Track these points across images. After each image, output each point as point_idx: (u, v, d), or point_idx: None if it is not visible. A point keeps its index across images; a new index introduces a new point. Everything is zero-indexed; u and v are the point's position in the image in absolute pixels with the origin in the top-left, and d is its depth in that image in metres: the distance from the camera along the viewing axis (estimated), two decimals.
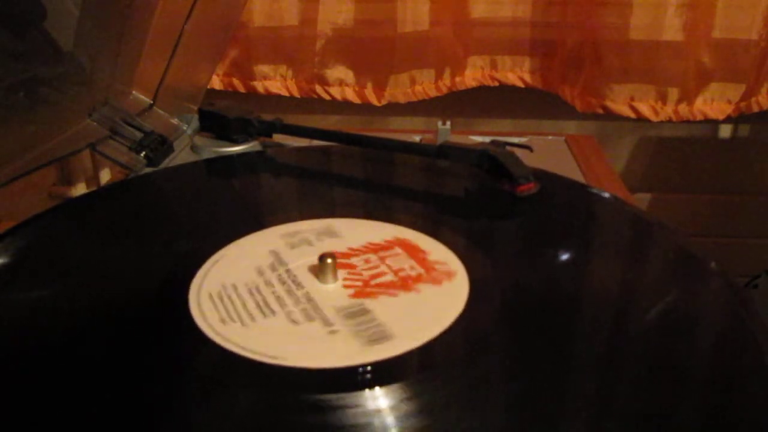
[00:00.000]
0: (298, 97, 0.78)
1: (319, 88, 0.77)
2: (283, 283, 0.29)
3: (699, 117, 0.74)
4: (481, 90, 0.78)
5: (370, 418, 0.21)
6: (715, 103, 0.74)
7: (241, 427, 0.21)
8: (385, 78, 0.75)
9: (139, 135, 0.46)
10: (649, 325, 0.27)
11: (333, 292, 0.28)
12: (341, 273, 0.29)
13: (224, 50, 0.75)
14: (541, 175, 0.39)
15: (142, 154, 0.45)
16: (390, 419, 0.21)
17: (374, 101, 0.77)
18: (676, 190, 0.85)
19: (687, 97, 0.73)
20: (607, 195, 0.38)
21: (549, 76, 0.76)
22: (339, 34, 0.74)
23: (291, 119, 0.47)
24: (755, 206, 0.84)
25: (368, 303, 0.27)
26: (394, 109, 0.79)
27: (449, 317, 0.26)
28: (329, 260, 0.28)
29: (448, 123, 0.49)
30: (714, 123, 0.79)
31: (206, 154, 0.47)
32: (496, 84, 0.77)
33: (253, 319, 0.27)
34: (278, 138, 0.48)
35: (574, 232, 0.35)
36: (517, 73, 0.77)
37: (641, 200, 0.85)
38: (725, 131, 0.82)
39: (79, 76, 0.45)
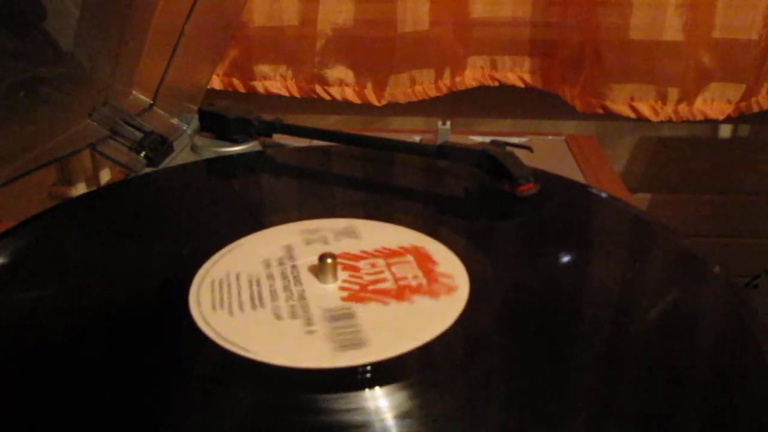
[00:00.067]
0: (298, 97, 0.78)
1: (319, 88, 0.77)
2: (284, 278, 0.29)
3: (699, 117, 0.74)
4: (481, 90, 0.78)
5: (354, 418, 0.21)
6: (715, 103, 0.74)
7: (234, 427, 0.21)
8: (385, 78, 0.75)
9: (139, 135, 0.46)
10: (649, 325, 0.27)
11: (327, 292, 0.28)
12: (343, 274, 0.29)
13: (224, 50, 0.75)
14: (541, 176, 0.39)
15: (142, 154, 0.45)
16: (379, 421, 0.21)
17: (374, 101, 0.77)
18: (676, 190, 0.85)
19: (687, 97, 0.73)
20: (607, 195, 0.38)
21: (549, 76, 0.76)
22: (339, 34, 0.74)
23: (291, 119, 0.47)
24: (755, 206, 0.84)
25: (357, 308, 0.27)
26: (394, 109, 0.79)
27: (431, 333, 0.25)
28: (329, 260, 0.28)
29: (448, 123, 0.49)
30: (714, 123, 0.79)
31: (206, 154, 0.47)
32: (496, 84, 0.77)
33: (241, 309, 0.27)
34: (278, 138, 0.48)
35: (574, 232, 0.35)
36: (517, 73, 0.77)
37: (641, 200, 0.85)
38: (725, 131, 0.82)
39: (79, 76, 0.45)
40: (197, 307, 0.27)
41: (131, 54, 0.48)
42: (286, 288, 0.28)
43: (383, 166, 0.43)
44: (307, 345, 0.25)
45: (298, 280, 0.29)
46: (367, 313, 0.26)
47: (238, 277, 0.29)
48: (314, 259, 0.30)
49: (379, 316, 0.26)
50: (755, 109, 0.74)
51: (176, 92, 0.53)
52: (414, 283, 0.28)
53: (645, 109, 0.73)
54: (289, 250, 0.31)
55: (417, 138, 0.53)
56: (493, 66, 0.77)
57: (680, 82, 0.72)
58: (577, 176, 0.46)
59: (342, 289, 0.28)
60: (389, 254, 0.30)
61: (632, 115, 0.74)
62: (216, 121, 0.48)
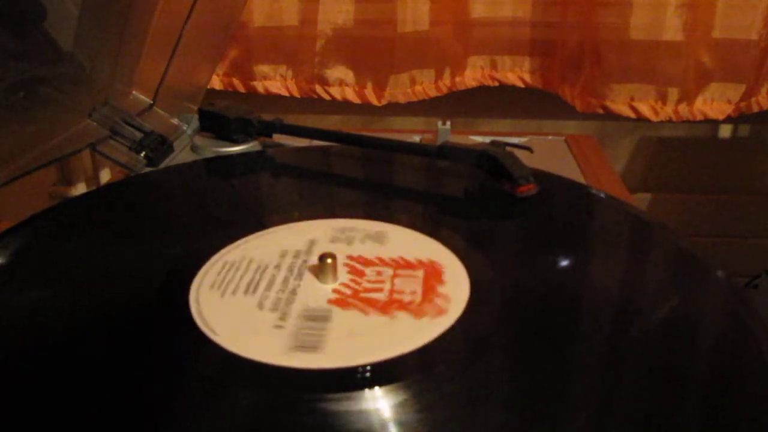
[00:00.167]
0: (298, 97, 0.78)
1: (319, 88, 0.77)
2: (290, 270, 0.29)
3: (699, 117, 0.74)
4: (481, 90, 0.78)
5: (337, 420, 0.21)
6: (715, 103, 0.74)
7: (231, 427, 0.21)
8: (385, 78, 0.75)
9: (139, 135, 0.46)
10: (649, 326, 0.27)
11: (319, 292, 0.28)
12: (345, 277, 0.29)
13: (224, 50, 0.75)
14: (541, 176, 0.39)
15: (142, 154, 0.45)
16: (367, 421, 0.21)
17: (374, 101, 0.77)
18: (676, 190, 0.85)
19: (687, 97, 0.73)
20: (607, 195, 0.38)
21: (549, 76, 0.76)
22: (339, 34, 0.74)
23: (291, 119, 0.47)
24: (755, 206, 0.84)
25: (336, 312, 0.27)
26: (394, 109, 0.79)
27: (390, 352, 0.24)
28: (329, 260, 0.28)
29: (448, 123, 0.49)
30: (714, 123, 0.79)
31: (206, 154, 0.47)
32: (496, 84, 0.77)
33: (234, 293, 0.28)
34: (278, 138, 0.48)
35: (574, 232, 0.35)
36: (517, 73, 0.77)
37: (641, 200, 0.85)
38: (725, 131, 0.82)
39: (79, 76, 0.45)
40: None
41: (131, 54, 0.48)
42: (284, 281, 0.29)
43: (384, 167, 0.43)
44: (266, 339, 0.25)
45: (300, 276, 0.29)
46: (342, 319, 0.26)
47: (250, 262, 0.30)
48: (341, 256, 0.30)
49: (353, 324, 0.26)
50: (755, 109, 0.74)
51: (176, 92, 0.53)
52: (407, 299, 0.27)
53: (645, 109, 0.73)
54: (311, 244, 0.32)
55: (417, 138, 0.53)
56: (493, 66, 0.77)
57: (680, 82, 0.72)
58: (577, 176, 0.46)
59: (335, 291, 0.28)
60: (402, 265, 0.30)
61: (632, 115, 0.74)
62: (216, 121, 0.48)
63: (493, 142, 0.41)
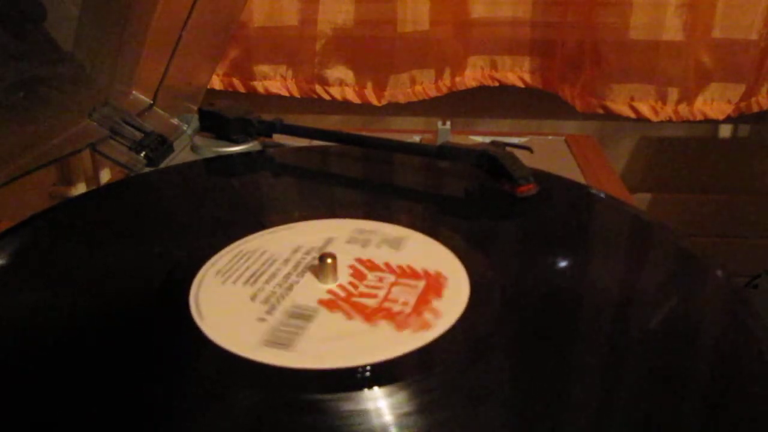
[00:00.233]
0: (298, 97, 0.78)
1: (319, 88, 0.77)
2: (296, 267, 0.30)
3: (699, 117, 0.74)
4: (481, 90, 0.78)
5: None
6: (715, 103, 0.74)
7: (229, 427, 0.21)
8: (385, 78, 0.75)
9: (139, 135, 0.46)
10: (649, 326, 0.27)
11: (314, 290, 0.28)
12: (345, 278, 0.29)
13: (224, 50, 0.75)
14: (540, 176, 0.39)
15: (142, 154, 0.45)
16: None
17: (374, 101, 0.77)
18: (676, 190, 0.85)
19: (687, 97, 0.73)
20: (607, 195, 0.38)
21: (549, 76, 0.76)
22: (339, 34, 0.74)
23: (291, 119, 0.47)
24: (755, 206, 0.84)
25: (322, 313, 0.27)
26: (394, 109, 0.79)
27: (359, 360, 0.24)
28: (329, 260, 0.28)
29: (448, 123, 0.49)
30: (714, 123, 0.79)
31: (206, 154, 0.47)
32: (496, 84, 0.77)
33: (235, 282, 0.28)
34: (278, 138, 0.48)
35: (574, 232, 0.35)
36: (517, 73, 0.77)
37: (641, 200, 0.85)
38: (725, 131, 0.82)
39: (79, 76, 0.45)
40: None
41: (131, 54, 0.48)
42: (286, 276, 0.29)
43: (384, 167, 0.43)
44: (245, 330, 0.25)
45: (302, 273, 0.29)
46: (325, 321, 0.26)
47: (262, 254, 0.30)
48: (341, 259, 0.30)
49: (333, 327, 0.26)
50: (755, 109, 0.74)
51: (176, 92, 0.53)
52: (397, 308, 0.27)
53: (645, 109, 0.73)
54: (326, 243, 0.32)
55: (417, 138, 0.53)
56: (493, 66, 0.77)
57: (680, 82, 0.72)
58: (577, 176, 0.46)
59: (329, 291, 0.28)
60: (406, 274, 0.29)
61: (632, 115, 0.74)
62: (216, 121, 0.48)
63: (493, 142, 0.41)
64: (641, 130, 0.82)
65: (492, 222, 0.36)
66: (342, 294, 0.28)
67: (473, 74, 0.77)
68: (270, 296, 0.28)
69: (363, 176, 0.42)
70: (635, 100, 0.73)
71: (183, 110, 0.53)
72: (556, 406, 0.22)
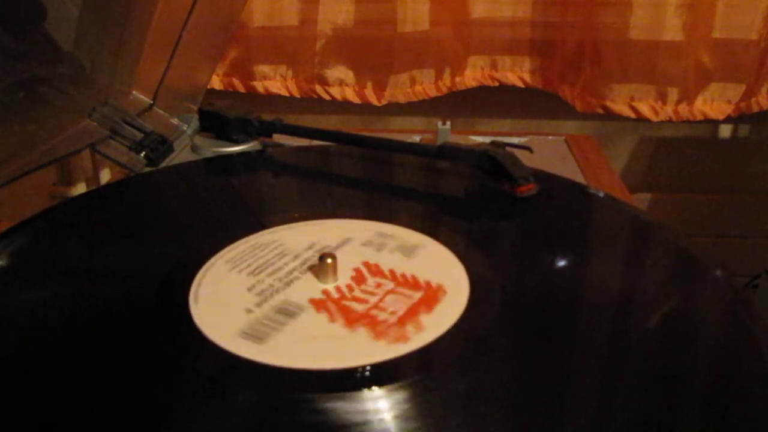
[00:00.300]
0: (298, 97, 0.78)
1: (319, 88, 0.77)
2: (303, 264, 0.30)
3: (699, 117, 0.74)
4: (481, 90, 0.78)
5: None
6: (715, 103, 0.74)
7: (228, 427, 0.21)
8: (385, 78, 0.75)
9: (139, 135, 0.46)
10: (649, 326, 0.27)
11: (309, 289, 0.28)
12: (344, 280, 0.29)
13: (224, 50, 0.75)
14: (540, 176, 0.39)
15: (142, 154, 0.45)
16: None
17: (374, 101, 0.77)
18: (676, 190, 0.85)
19: (687, 97, 0.73)
20: (607, 195, 0.38)
21: (549, 76, 0.76)
22: (339, 34, 0.74)
23: (291, 119, 0.47)
24: (755, 206, 0.84)
25: (308, 312, 0.27)
26: (394, 109, 0.79)
27: (327, 363, 0.24)
28: (329, 260, 0.28)
29: (448, 123, 0.49)
30: (714, 123, 0.79)
31: (206, 154, 0.47)
32: (496, 84, 0.77)
33: (240, 271, 0.29)
34: (278, 138, 0.48)
35: (574, 232, 0.35)
36: (517, 73, 0.77)
37: (641, 200, 0.85)
38: (725, 131, 0.82)
39: (79, 76, 0.45)
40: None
41: (131, 54, 0.48)
42: (290, 271, 0.29)
43: (384, 167, 0.43)
44: (230, 319, 0.26)
45: (306, 270, 0.29)
46: (307, 320, 0.26)
47: (277, 247, 0.31)
48: (350, 261, 0.30)
49: (312, 327, 0.26)
50: (755, 109, 0.74)
51: (176, 92, 0.53)
52: (382, 317, 0.26)
53: (645, 109, 0.73)
54: (343, 243, 0.32)
55: (417, 138, 0.53)
56: (493, 66, 0.77)
57: (680, 82, 0.72)
58: (577, 176, 0.46)
59: (324, 291, 0.28)
60: (406, 284, 0.28)
61: (632, 115, 0.74)
62: (216, 121, 0.48)
63: (493, 142, 0.41)
64: (641, 130, 0.82)
65: (492, 222, 0.36)
66: (335, 295, 0.28)
67: (473, 74, 0.77)
68: (266, 289, 0.28)
69: (364, 176, 0.42)
70: (635, 100, 0.73)
71: (183, 110, 0.53)
72: (556, 406, 0.22)
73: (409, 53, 0.74)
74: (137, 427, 0.21)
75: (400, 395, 0.22)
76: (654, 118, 0.74)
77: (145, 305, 0.28)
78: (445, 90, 0.77)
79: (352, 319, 0.26)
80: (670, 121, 0.74)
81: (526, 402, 0.22)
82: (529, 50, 0.76)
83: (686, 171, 0.84)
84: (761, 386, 0.23)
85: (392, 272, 0.29)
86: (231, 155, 0.46)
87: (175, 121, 0.52)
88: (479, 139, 0.52)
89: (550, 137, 0.54)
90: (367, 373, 0.23)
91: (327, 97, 0.77)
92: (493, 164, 0.38)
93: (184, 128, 0.52)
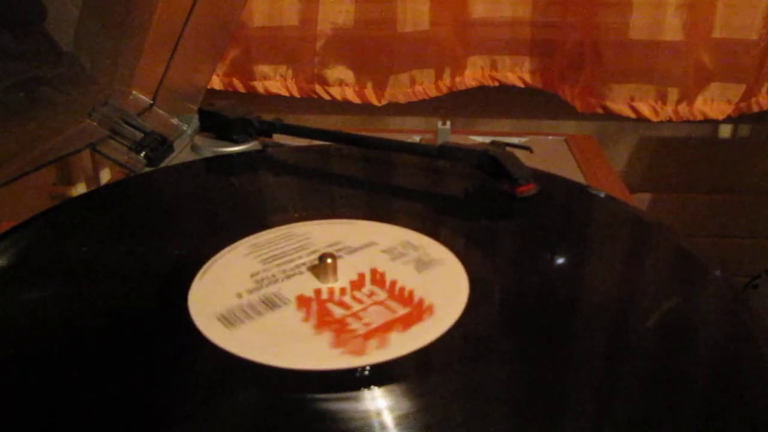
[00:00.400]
0: (298, 97, 0.78)
1: (319, 88, 0.77)
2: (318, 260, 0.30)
3: (699, 117, 0.74)
4: (481, 90, 0.78)
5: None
6: (715, 103, 0.74)
7: (228, 427, 0.21)
8: (385, 78, 0.75)
9: (139, 135, 0.46)
10: (649, 326, 0.27)
11: (304, 285, 0.28)
12: (341, 282, 0.29)
13: (224, 50, 0.75)
14: (540, 176, 0.39)
15: (142, 154, 0.45)
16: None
17: (374, 101, 0.77)
18: (676, 190, 0.85)
19: (687, 97, 0.73)
20: (607, 195, 0.38)
21: (549, 76, 0.76)
22: (339, 34, 0.74)
23: (291, 119, 0.47)
24: (755, 206, 0.84)
25: (289, 307, 0.27)
26: (394, 109, 0.79)
27: (279, 361, 0.24)
28: (328, 261, 0.28)
29: (448, 123, 0.49)
30: (714, 123, 0.79)
31: (206, 154, 0.47)
32: (496, 84, 0.77)
33: (256, 257, 0.30)
34: (278, 138, 0.48)
35: (573, 232, 0.35)
36: (517, 73, 0.77)
37: (641, 200, 0.85)
38: (725, 131, 0.82)
39: (79, 76, 0.45)
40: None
41: (131, 54, 0.48)
42: (299, 265, 0.30)
43: (385, 166, 0.43)
44: (217, 300, 0.27)
45: (311, 268, 0.30)
46: (284, 315, 0.26)
47: (302, 240, 0.32)
48: (359, 264, 0.30)
49: (284, 323, 0.26)
50: (755, 109, 0.74)
51: (176, 92, 0.53)
52: (354, 326, 0.26)
53: (645, 109, 0.73)
54: (364, 246, 0.32)
55: (417, 138, 0.53)
56: (493, 66, 0.77)
57: (680, 82, 0.72)
58: (577, 176, 0.46)
59: (315, 290, 0.28)
60: (398, 298, 0.28)
61: (632, 115, 0.74)
62: (216, 121, 0.48)
63: (493, 142, 0.41)
64: (641, 130, 0.82)
65: (492, 222, 0.36)
66: (324, 296, 0.28)
67: (473, 74, 0.77)
68: (267, 278, 0.29)
69: (364, 176, 0.42)
70: (635, 100, 0.73)
71: (183, 110, 0.53)
72: (555, 406, 0.22)
73: (409, 53, 0.74)
74: (134, 426, 0.21)
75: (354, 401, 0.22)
76: (654, 118, 0.74)
77: (145, 305, 0.28)
78: (445, 90, 0.77)
79: (323, 323, 0.26)
80: (670, 121, 0.74)
81: (525, 402, 0.22)
82: (529, 50, 0.76)
83: (686, 171, 0.84)
84: (761, 386, 0.23)
85: (392, 284, 0.29)
86: (231, 155, 0.46)
87: (175, 121, 0.52)
88: (479, 139, 0.52)
89: (550, 137, 0.54)
90: (365, 374, 0.23)
91: (327, 97, 0.77)
92: (493, 164, 0.38)
93: (184, 128, 0.52)
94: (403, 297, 0.28)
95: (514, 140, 0.51)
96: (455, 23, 0.73)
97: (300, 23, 0.74)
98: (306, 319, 0.26)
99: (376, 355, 0.24)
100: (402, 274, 0.29)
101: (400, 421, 0.21)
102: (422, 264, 0.30)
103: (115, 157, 0.45)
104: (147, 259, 0.31)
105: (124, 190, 0.41)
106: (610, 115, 0.74)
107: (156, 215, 0.37)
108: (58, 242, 0.34)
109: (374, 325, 0.26)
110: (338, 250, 0.31)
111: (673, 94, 0.72)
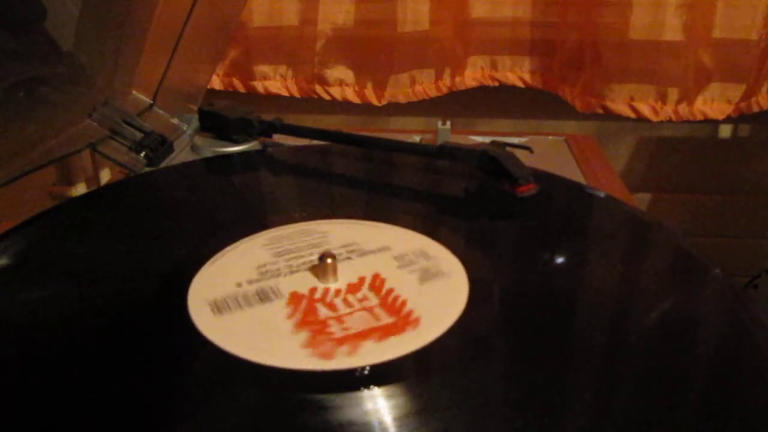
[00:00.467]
0: (298, 97, 0.78)
1: (319, 88, 0.77)
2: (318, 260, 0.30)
3: (699, 117, 0.74)
4: (481, 90, 0.78)
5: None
6: (715, 103, 0.74)
7: (228, 426, 0.21)
8: (385, 78, 0.75)
9: (139, 135, 0.46)
10: (649, 326, 0.27)
11: (302, 282, 0.29)
12: (339, 284, 0.29)
13: (224, 50, 0.75)
14: (540, 176, 0.39)
15: (142, 154, 0.45)
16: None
17: (374, 101, 0.77)
18: (676, 190, 0.85)
19: (687, 97, 0.73)
20: (606, 195, 0.38)
21: (549, 76, 0.76)
22: (339, 34, 0.74)
23: (291, 119, 0.47)
24: (755, 206, 0.84)
25: (280, 302, 0.27)
26: (394, 109, 0.79)
27: (242, 353, 0.24)
28: (328, 261, 0.28)
29: (448, 123, 0.49)
30: (714, 123, 0.79)
31: (206, 154, 0.47)
32: (496, 84, 0.77)
33: (270, 249, 0.31)
34: (278, 138, 0.48)
35: (573, 232, 0.35)
36: (517, 73, 0.77)
37: (641, 200, 0.85)
38: (725, 131, 0.82)
39: (79, 76, 0.45)
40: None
41: (131, 54, 0.48)
42: (306, 262, 0.30)
43: (385, 166, 0.43)
44: (216, 286, 0.28)
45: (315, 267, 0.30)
46: (271, 309, 0.27)
47: (319, 237, 0.32)
48: (362, 268, 0.30)
49: (268, 317, 0.26)
50: (755, 109, 0.74)
51: (176, 92, 0.53)
52: (332, 329, 0.25)
53: (645, 109, 0.73)
54: (378, 250, 0.31)
55: (417, 138, 0.53)
56: (493, 66, 0.77)
57: (680, 82, 0.72)
58: (577, 176, 0.46)
59: (310, 288, 0.28)
60: (388, 307, 0.27)
61: (632, 115, 0.74)
62: (216, 121, 0.48)
63: (493, 142, 0.41)
64: (641, 130, 0.82)
65: (492, 222, 0.36)
66: (317, 295, 0.28)
67: (473, 74, 0.77)
68: (271, 271, 0.29)
69: (365, 176, 0.42)
70: (635, 100, 0.73)
71: (183, 110, 0.53)
72: (554, 408, 0.22)
73: (409, 53, 0.74)
74: (132, 426, 0.21)
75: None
76: (654, 118, 0.74)
77: (145, 305, 0.28)
78: (445, 90, 0.77)
79: (305, 322, 0.26)
80: (670, 121, 0.74)
81: (525, 402, 0.22)
82: (529, 50, 0.76)
83: (686, 171, 0.84)
84: (761, 386, 0.23)
85: (389, 292, 0.28)
86: (231, 155, 0.46)
87: (175, 121, 0.52)
88: (479, 139, 0.52)
89: (550, 137, 0.54)
90: (366, 373, 0.23)
91: (327, 97, 0.77)
92: (493, 164, 0.38)
93: (184, 128, 0.52)
94: (394, 307, 0.27)
95: (514, 140, 0.51)
96: (455, 23, 0.73)
97: (300, 23, 0.74)
98: (290, 316, 0.26)
99: (342, 362, 0.24)
100: (403, 283, 0.29)
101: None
102: (428, 275, 0.29)
103: (115, 157, 0.45)
104: (147, 259, 0.31)
105: (124, 190, 0.41)
106: (610, 115, 0.74)
107: (156, 215, 0.37)
108: (58, 242, 0.34)
109: (352, 331, 0.25)
110: (350, 252, 0.31)
111: (673, 94, 0.72)
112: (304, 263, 0.30)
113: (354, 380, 0.23)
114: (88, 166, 0.51)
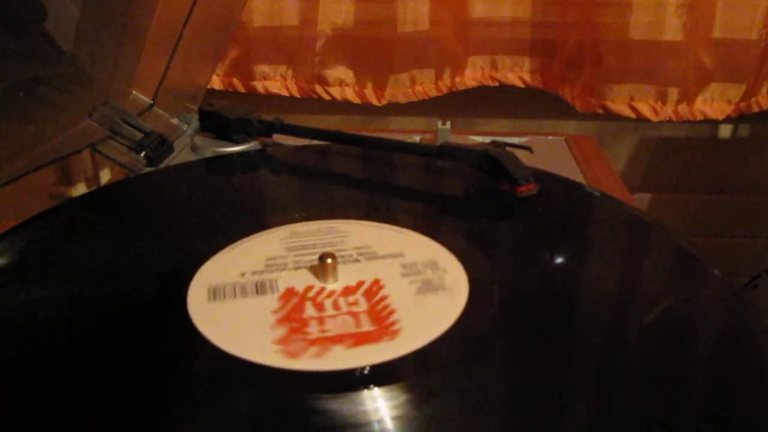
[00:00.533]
0: (298, 97, 0.78)
1: (319, 88, 0.77)
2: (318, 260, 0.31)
3: (699, 117, 0.74)
4: (481, 90, 0.78)
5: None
6: (715, 103, 0.74)
7: (228, 426, 0.21)
8: (385, 78, 0.75)
9: (139, 135, 0.46)
10: (649, 327, 0.27)
11: (300, 279, 0.29)
12: (337, 285, 0.29)
13: (224, 50, 0.75)
14: (540, 176, 0.39)
15: (142, 154, 0.45)
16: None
17: (374, 101, 0.77)
18: (676, 190, 0.85)
19: (687, 97, 0.73)
20: (606, 195, 0.38)
21: (549, 76, 0.76)
22: (339, 34, 0.74)
23: (291, 119, 0.47)
24: (755, 206, 0.84)
25: (274, 295, 0.28)
26: (394, 109, 0.79)
27: (220, 343, 0.24)
28: (328, 261, 0.28)
29: (448, 123, 0.49)
30: (714, 123, 0.79)
31: (206, 154, 0.47)
32: (496, 84, 0.77)
33: (285, 244, 0.32)
34: (278, 138, 0.48)
35: (573, 232, 0.35)
36: (517, 73, 0.77)
37: (641, 200, 0.85)
38: (725, 131, 0.82)
39: (79, 76, 0.45)
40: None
41: (131, 54, 0.48)
42: (313, 259, 0.30)
43: (385, 166, 0.43)
44: (219, 275, 0.29)
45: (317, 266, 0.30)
46: (263, 303, 0.27)
47: (337, 236, 0.32)
48: (366, 272, 0.29)
49: (256, 309, 0.27)
50: (755, 109, 0.74)
51: (176, 92, 0.53)
52: (310, 329, 0.25)
53: (645, 109, 0.73)
54: (389, 255, 0.31)
55: (417, 138, 0.53)
56: (493, 66, 0.77)
57: (680, 82, 0.72)
58: (577, 176, 0.46)
59: (307, 286, 0.28)
60: (374, 315, 0.26)
61: (632, 115, 0.74)
62: (216, 121, 0.48)
63: (493, 142, 0.41)
64: (641, 130, 0.82)
65: (492, 222, 0.36)
66: (311, 294, 0.28)
67: (473, 74, 0.77)
68: (277, 264, 0.29)
69: (365, 176, 0.42)
70: (635, 100, 0.73)
71: (183, 110, 0.53)
72: (554, 408, 0.22)
73: (409, 53, 0.74)
74: (130, 425, 0.21)
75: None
76: (654, 118, 0.74)
77: (144, 305, 0.28)
78: (445, 90, 0.77)
79: (288, 318, 0.26)
80: (670, 121, 0.74)
81: (525, 402, 0.22)
82: (529, 50, 0.76)
83: (686, 171, 0.84)
84: (761, 386, 0.23)
85: (381, 299, 0.28)
86: (231, 155, 0.46)
87: (175, 121, 0.52)
88: (479, 139, 0.52)
89: (550, 137, 0.54)
90: (365, 373, 0.23)
91: (327, 97, 0.77)
92: (493, 164, 0.38)
93: (184, 128, 0.52)
94: (380, 315, 0.26)
95: (514, 140, 0.51)
96: (455, 23, 0.73)
97: (300, 23, 0.74)
98: (275, 312, 0.26)
99: (307, 363, 0.23)
100: (399, 293, 0.28)
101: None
102: (428, 287, 0.28)
103: (115, 157, 0.45)
104: (147, 259, 0.31)
105: (124, 190, 0.41)
106: (610, 115, 0.74)
107: (156, 215, 0.37)
108: (58, 242, 0.34)
109: (328, 334, 0.25)
110: (361, 254, 0.31)
111: (673, 94, 0.72)
112: (310, 261, 0.30)
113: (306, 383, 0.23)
114: (88, 166, 0.51)
